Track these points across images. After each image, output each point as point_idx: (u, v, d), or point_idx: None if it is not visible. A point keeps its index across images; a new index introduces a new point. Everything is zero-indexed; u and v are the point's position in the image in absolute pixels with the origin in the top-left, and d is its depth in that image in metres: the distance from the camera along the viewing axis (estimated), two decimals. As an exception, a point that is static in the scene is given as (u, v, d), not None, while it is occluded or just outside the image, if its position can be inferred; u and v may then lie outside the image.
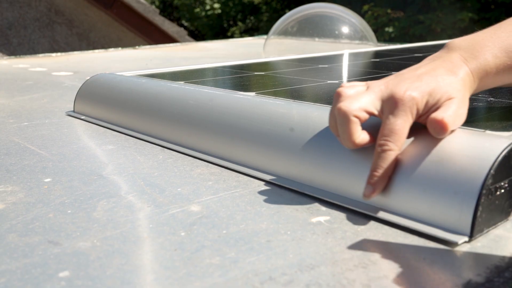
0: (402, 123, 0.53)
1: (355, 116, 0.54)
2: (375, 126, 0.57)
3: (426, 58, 0.61)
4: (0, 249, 0.48)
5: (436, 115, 0.52)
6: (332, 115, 0.58)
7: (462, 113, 0.55)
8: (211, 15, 10.16)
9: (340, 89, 0.58)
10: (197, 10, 10.16)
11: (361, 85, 0.58)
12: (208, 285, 0.42)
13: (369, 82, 0.58)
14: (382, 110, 0.55)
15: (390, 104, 0.54)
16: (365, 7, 7.26)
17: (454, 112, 0.53)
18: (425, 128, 0.56)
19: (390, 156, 0.53)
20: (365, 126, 0.56)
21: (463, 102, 0.55)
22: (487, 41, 0.59)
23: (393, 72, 1.10)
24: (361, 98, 0.55)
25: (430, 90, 0.53)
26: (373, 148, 0.55)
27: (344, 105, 0.55)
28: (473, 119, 0.64)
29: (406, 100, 0.53)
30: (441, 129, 0.52)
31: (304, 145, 0.63)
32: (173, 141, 0.81)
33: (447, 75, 0.56)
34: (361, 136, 0.55)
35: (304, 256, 0.46)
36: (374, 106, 0.55)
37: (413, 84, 0.54)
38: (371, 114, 0.55)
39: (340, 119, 0.55)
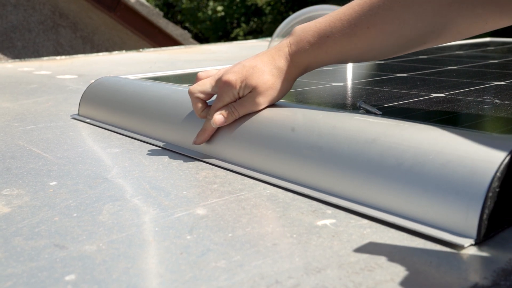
0: (218, 104, 0.73)
1: (196, 98, 0.75)
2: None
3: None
4: (6, 252, 0.48)
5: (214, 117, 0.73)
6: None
7: (261, 101, 0.72)
8: (214, 18, 10.16)
9: (198, 73, 0.78)
10: (200, 14, 10.16)
11: (216, 70, 0.77)
12: (214, 288, 0.42)
13: (222, 68, 0.75)
14: (216, 89, 0.74)
15: (218, 87, 0.73)
16: None
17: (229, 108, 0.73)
18: (431, 131, 0.56)
19: (209, 122, 0.74)
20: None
21: (267, 88, 0.71)
22: (311, 29, 0.70)
23: (398, 74, 1.10)
24: (204, 84, 0.75)
25: (244, 77, 0.70)
26: (377, 152, 0.56)
27: (191, 88, 0.75)
28: (479, 122, 0.63)
29: (223, 83, 0.72)
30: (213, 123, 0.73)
31: (308, 147, 0.63)
32: (178, 144, 0.81)
33: (265, 63, 0.71)
34: (200, 111, 0.75)
35: (310, 260, 0.46)
36: (212, 88, 0.74)
37: (235, 70, 0.71)
38: (209, 94, 0.75)
39: (190, 98, 0.76)
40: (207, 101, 0.76)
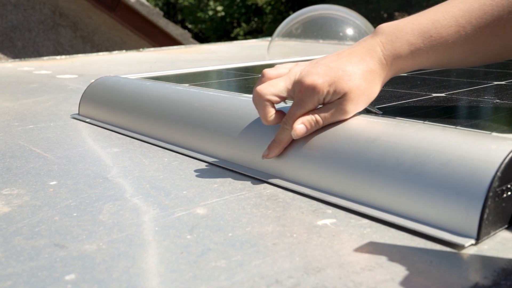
0: (299, 111, 0.62)
1: (267, 100, 0.63)
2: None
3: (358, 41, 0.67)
4: (6, 252, 0.48)
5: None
6: (254, 91, 0.65)
7: (351, 108, 0.62)
8: (215, 18, 10.16)
9: (264, 71, 0.66)
10: (200, 14, 10.16)
11: (284, 68, 0.66)
12: (214, 288, 0.42)
13: (293, 66, 0.66)
14: (293, 93, 0.63)
15: (297, 91, 0.62)
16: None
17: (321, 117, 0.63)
18: (432, 131, 0.56)
19: (285, 132, 0.64)
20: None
21: (360, 94, 0.62)
22: (407, 27, 0.62)
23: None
24: (277, 84, 0.63)
25: (332, 81, 0.60)
26: (377, 152, 0.56)
27: (260, 88, 0.64)
28: (479, 121, 0.63)
29: (306, 87, 0.61)
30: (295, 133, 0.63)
31: (309, 147, 0.63)
32: (178, 143, 0.81)
33: (355, 64, 0.61)
34: (272, 117, 0.64)
35: (310, 259, 0.46)
36: (287, 91, 0.63)
37: (319, 72, 0.61)
38: (282, 98, 0.64)
39: (255, 100, 0.64)
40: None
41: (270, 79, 0.65)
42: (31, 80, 1.60)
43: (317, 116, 0.62)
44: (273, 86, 0.63)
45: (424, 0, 7.25)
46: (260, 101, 0.64)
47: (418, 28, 0.62)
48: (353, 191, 0.57)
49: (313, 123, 0.62)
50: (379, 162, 0.56)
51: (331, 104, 0.62)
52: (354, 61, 0.62)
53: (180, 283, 0.42)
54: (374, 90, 0.63)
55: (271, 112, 0.64)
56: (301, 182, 0.63)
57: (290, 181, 0.64)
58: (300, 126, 0.62)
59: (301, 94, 0.62)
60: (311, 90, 0.61)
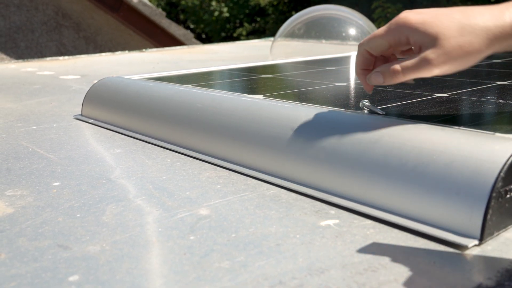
0: (383, 40, 0.59)
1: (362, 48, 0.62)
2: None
3: None
4: (10, 253, 0.48)
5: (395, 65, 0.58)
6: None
7: (441, 59, 0.55)
8: (219, 19, 10.15)
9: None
10: (205, 17, 10.15)
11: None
12: (217, 289, 0.42)
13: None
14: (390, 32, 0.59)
15: (390, 25, 0.59)
16: (375, 3, 7.18)
17: (413, 64, 0.57)
18: (435, 131, 0.56)
19: (360, 49, 0.62)
20: None
21: (450, 41, 0.55)
22: None
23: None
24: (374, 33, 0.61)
25: (425, 20, 0.56)
26: (380, 152, 0.56)
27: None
28: (482, 122, 0.63)
29: (399, 22, 0.57)
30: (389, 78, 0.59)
31: (312, 148, 0.63)
32: (181, 144, 0.81)
33: (460, 12, 0.55)
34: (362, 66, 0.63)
35: (313, 260, 0.46)
36: (385, 37, 0.60)
37: (416, 12, 0.57)
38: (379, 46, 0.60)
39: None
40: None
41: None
42: (34, 81, 1.60)
43: (396, 65, 0.58)
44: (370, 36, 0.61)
45: (427, 0, 7.24)
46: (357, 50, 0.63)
47: None
48: (356, 191, 0.57)
49: (392, 72, 0.58)
50: (382, 163, 0.56)
51: (417, 54, 0.56)
52: (463, 10, 0.56)
53: (184, 284, 0.42)
54: (474, 44, 0.54)
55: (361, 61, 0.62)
56: (304, 182, 0.63)
57: (293, 181, 0.64)
58: (375, 74, 0.60)
59: (391, 25, 0.58)
60: (402, 22, 0.57)
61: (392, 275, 0.43)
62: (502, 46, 0.56)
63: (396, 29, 0.58)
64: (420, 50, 0.56)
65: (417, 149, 0.55)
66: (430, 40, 0.55)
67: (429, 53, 0.55)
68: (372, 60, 0.63)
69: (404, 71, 0.57)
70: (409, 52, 0.63)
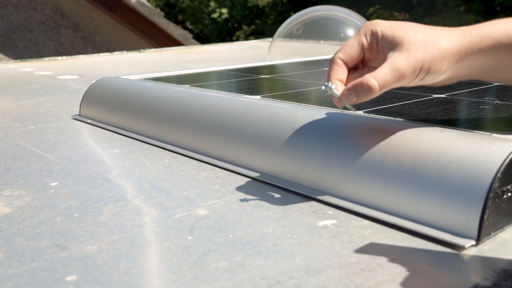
0: (351, 41, 0.59)
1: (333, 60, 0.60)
2: None
3: None
4: (8, 253, 0.48)
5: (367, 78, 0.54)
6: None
7: (406, 61, 0.54)
8: (219, 21, 10.14)
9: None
10: (206, 21, 10.13)
11: None
12: (215, 289, 0.42)
13: None
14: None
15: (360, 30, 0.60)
16: (371, 10, 7.24)
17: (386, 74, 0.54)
18: (432, 132, 0.56)
19: (332, 60, 0.59)
20: None
21: (414, 43, 0.54)
22: (495, 22, 0.57)
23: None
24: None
25: (392, 25, 0.56)
26: (378, 153, 0.56)
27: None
28: (479, 122, 0.63)
29: (366, 24, 0.59)
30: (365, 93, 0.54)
31: (310, 148, 0.63)
32: (179, 144, 0.81)
33: (424, 26, 0.56)
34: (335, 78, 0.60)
35: (311, 260, 0.46)
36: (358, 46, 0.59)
37: (386, 21, 0.58)
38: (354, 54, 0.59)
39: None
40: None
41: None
42: (32, 81, 1.60)
43: (368, 78, 0.54)
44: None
45: (425, 1, 7.26)
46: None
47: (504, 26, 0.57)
48: (354, 192, 0.58)
49: (366, 86, 0.53)
50: (379, 163, 0.56)
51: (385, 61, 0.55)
52: (432, 27, 0.57)
53: (181, 284, 0.42)
54: (439, 43, 0.54)
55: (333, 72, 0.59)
56: (302, 183, 0.63)
57: (291, 182, 0.64)
58: (346, 92, 0.55)
59: (361, 28, 0.58)
60: (370, 23, 0.58)
61: (390, 275, 0.43)
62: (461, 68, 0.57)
63: (365, 30, 0.58)
64: (386, 57, 0.55)
65: (415, 149, 0.55)
66: (397, 44, 0.55)
67: (395, 57, 0.54)
68: (345, 71, 0.59)
69: (378, 81, 0.54)
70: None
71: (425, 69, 0.54)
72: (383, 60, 0.56)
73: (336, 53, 0.59)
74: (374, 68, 0.58)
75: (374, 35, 0.57)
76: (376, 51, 0.58)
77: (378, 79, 0.53)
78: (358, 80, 0.54)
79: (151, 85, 0.97)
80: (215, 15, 9.98)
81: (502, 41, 0.56)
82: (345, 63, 0.59)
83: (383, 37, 0.56)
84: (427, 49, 0.54)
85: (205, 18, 10.17)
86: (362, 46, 0.58)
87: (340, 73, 0.58)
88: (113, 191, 0.64)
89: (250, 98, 0.81)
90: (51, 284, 0.43)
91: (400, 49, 0.54)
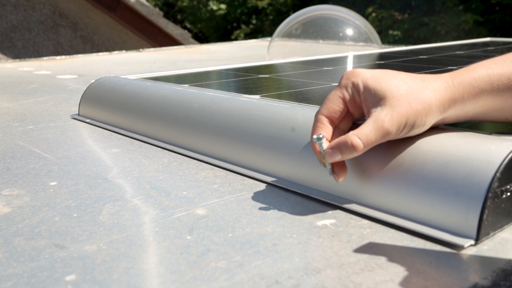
0: (332, 94, 0.58)
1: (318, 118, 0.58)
2: None
3: None
4: (7, 253, 0.48)
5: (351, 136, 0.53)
6: None
7: (390, 116, 0.53)
8: (215, 17, 10.14)
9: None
10: (203, 10, 10.13)
11: None
12: (214, 289, 0.42)
13: None
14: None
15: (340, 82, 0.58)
16: (369, 9, 7.25)
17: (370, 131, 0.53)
18: (432, 132, 0.56)
19: (316, 118, 0.58)
20: None
21: (397, 97, 0.53)
22: (477, 67, 0.56)
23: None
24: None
25: (376, 77, 0.55)
26: (377, 153, 0.56)
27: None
28: (478, 122, 0.64)
29: (348, 73, 0.57)
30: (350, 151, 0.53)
31: (309, 148, 0.63)
32: (178, 144, 0.81)
33: (408, 75, 0.55)
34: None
35: (310, 260, 0.46)
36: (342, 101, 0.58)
37: (367, 71, 0.56)
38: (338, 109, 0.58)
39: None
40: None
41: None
42: (31, 81, 1.60)
43: (351, 136, 0.53)
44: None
45: (424, 1, 7.26)
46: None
47: (486, 71, 0.56)
48: (353, 191, 0.58)
49: (350, 144, 0.53)
50: (378, 163, 0.56)
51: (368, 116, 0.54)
52: (412, 75, 0.56)
53: (180, 284, 0.42)
54: (422, 96, 0.53)
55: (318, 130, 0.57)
56: (301, 183, 0.63)
57: (291, 182, 0.64)
58: (330, 151, 0.54)
59: (342, 79, 0.57)
60: (351, 72, 0.56)
61: (388, 275, 0.43)
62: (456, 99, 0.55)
63: (346, 82, 0.57)
64: (369, 111, 0.54)
65: (414, 149, 0.55)
66: (380, 98, 0.54)
67: (379, 113, 0.53)
68: (330, 129, 0.57)
69: (362, 140, 0.52)
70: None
71: (409, 124, 0.53)
72: (367, 113, 0.55)
73: (319, 110, 0.58)
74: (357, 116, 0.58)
75: (355, 87, 0.56)
76: (359, 102, 0.57)
77: (362, 138, 0.52)
78: (342, 138, 0.54)
79: (150, 84, 0.97)
80: (214, 7, 9.97)
81: (484, 88, 0.55)
82: (330, 120, 0.58)
83: (366, 90, 0.55)
84: (410, 103, 0.53)
85: (203, 14, 10.15)
86: (344, 99, 0.57)
87: (324, 130, 0.57)
88: (112, 191, 0.64)
89: (249, 97, 0.81)
90: (50, 284, 0.43)
91: (383, 104, 0.53)
